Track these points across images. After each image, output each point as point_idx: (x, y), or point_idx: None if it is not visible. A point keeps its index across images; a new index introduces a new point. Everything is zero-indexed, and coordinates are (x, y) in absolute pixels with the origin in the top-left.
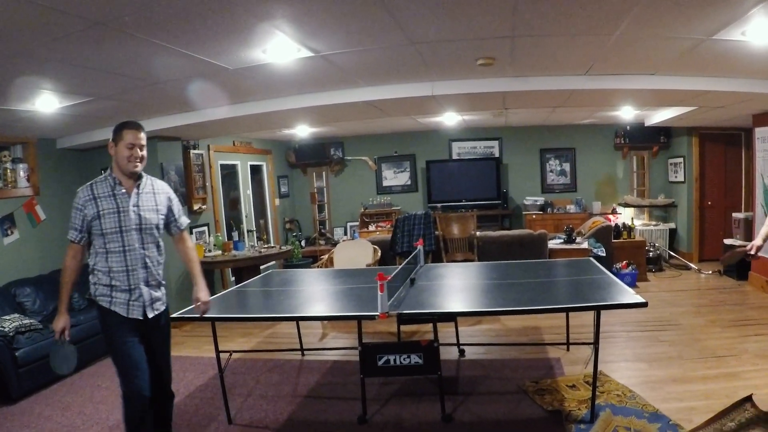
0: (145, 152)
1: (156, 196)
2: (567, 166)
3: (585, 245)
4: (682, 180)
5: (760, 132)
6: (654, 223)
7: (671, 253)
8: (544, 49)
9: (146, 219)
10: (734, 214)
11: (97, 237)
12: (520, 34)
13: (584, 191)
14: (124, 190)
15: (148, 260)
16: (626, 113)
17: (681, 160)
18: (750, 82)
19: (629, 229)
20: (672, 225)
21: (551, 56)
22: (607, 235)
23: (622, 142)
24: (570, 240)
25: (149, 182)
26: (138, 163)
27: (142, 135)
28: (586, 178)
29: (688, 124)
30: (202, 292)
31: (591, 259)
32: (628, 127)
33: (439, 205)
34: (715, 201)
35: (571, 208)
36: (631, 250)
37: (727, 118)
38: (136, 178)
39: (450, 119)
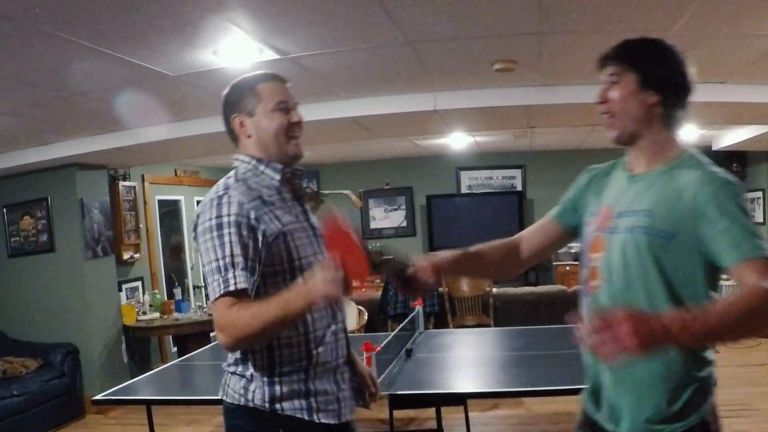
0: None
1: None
2: None
3: None
4: (761, 221)
5: None
6: (725, 276)
7: None
8: (580, 49)
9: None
10: None
11: (275, 278)
12: (549, 30)
13: None
14: (289, 195)
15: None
16: (688, 134)
17: (760, 194)
18: None
19: None
20: None
21: (590, 59)
22: None
23: None
24: None
25: None
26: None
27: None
28: None
29: None
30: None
31: None
32: None
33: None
34: None
35: None
36: None
37: None
38: (293, 174)
39: (458, 141)
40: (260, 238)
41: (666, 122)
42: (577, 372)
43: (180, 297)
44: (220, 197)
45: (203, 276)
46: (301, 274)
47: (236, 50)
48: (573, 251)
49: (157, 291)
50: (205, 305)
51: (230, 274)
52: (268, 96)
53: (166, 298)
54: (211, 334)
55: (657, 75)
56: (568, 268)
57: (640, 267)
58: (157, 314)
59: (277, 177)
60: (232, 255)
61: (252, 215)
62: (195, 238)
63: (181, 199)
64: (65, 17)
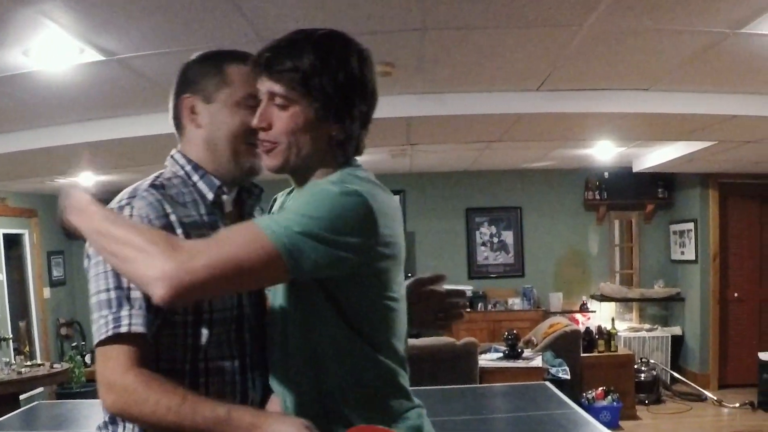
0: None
1: None
2: (509, 237)
3: (538, 362)
4: (693, 258)
5: None
6: (648, 326)
7: (675, 374)
8: (472, 49)
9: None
10: None
11: (172, 330)
12: (434, 26)
13: (536, 276)
14: (228, 220)
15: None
16: (603, 152)
17: (691, 226)
18: None
19: (608, 337)
20: (676, 330)
21: (484, 61)
22: (572, 345)
23: (597, 197)
24: (514, 354)
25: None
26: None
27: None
28: (539, 256)
29: (702, 170)
30: None
31: (547, 384)
32: (606, 175)
33: None
34: (745, 291)
35: (516, 302)
36: (612, 369)
37: (764, 159)
38: (243, 192)
39: None
40: None
41: (345, 151)
42: None
43: None
44: (120, 208)
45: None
46: (211, 333)
47: (52, 50)
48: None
49: None
50: (13, 361)
51: (124, 312)
52: (239, 83)
53: None
54: (22, 397)
55: (343, 102)
56: None
57: (289, 311)
58: None
59: (210, 196)
60: (129, 287)
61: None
62: (87, 257)
63: None
64: None
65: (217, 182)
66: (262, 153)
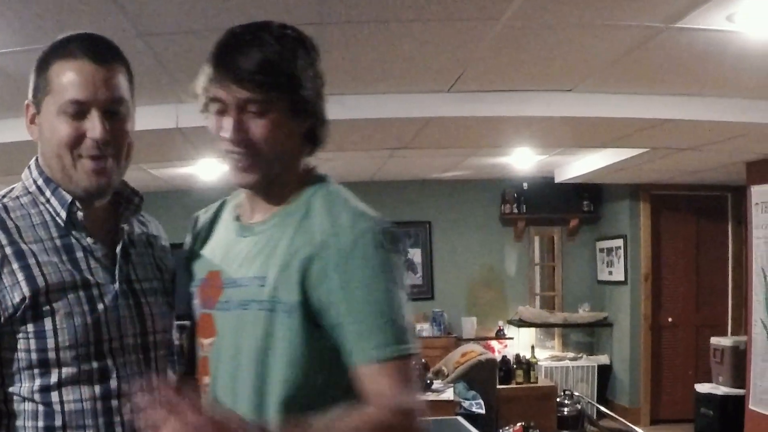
0: (128, 124)
1: (155, 253)
2: (416, 255)
3: (449, 394)
4: (622, 279)
5: (759, 193)
6: (571, 355)
7: (602, 408)
8: (375, 46)
9: (157, 317)
10: (714, 340)
11: (14, 371)
12: (333, 20)
13: (447, 299)
14: (90, 239)
15: None
16: (522, 161)
17: (619, 242)
18: (742, 104)
19: (528, 367)
20: (603, 359)
21: (389, 59)
22: (488, 376)
23: (515, 211)
24: (422, 385)
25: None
26: (104, 162)
27: (119, 78)
28: (450, 276)
29: (633, 180)
30: None
31: (459, 419)
32: (525, 186)
33: (188, 323)
34: (679, 316)
35: (425, 328)
36: (532, 402)
37: (701, 168)
38: (122, 201)
39: (210, 171)
40: None
41: (310, 149)
42: None
43: None
44: None
45: None
46: (60, 372)
47: None
48: None
49: None
50: None
51: None
52: (59, 86)
53: None
54: None
55: (311, 95)
56: None
57: (253, 359)
58: None
59: (63, 214)
60: None
61: None
62: None
63: None
64: None
65: (68, 197)
66: (236, 169)
